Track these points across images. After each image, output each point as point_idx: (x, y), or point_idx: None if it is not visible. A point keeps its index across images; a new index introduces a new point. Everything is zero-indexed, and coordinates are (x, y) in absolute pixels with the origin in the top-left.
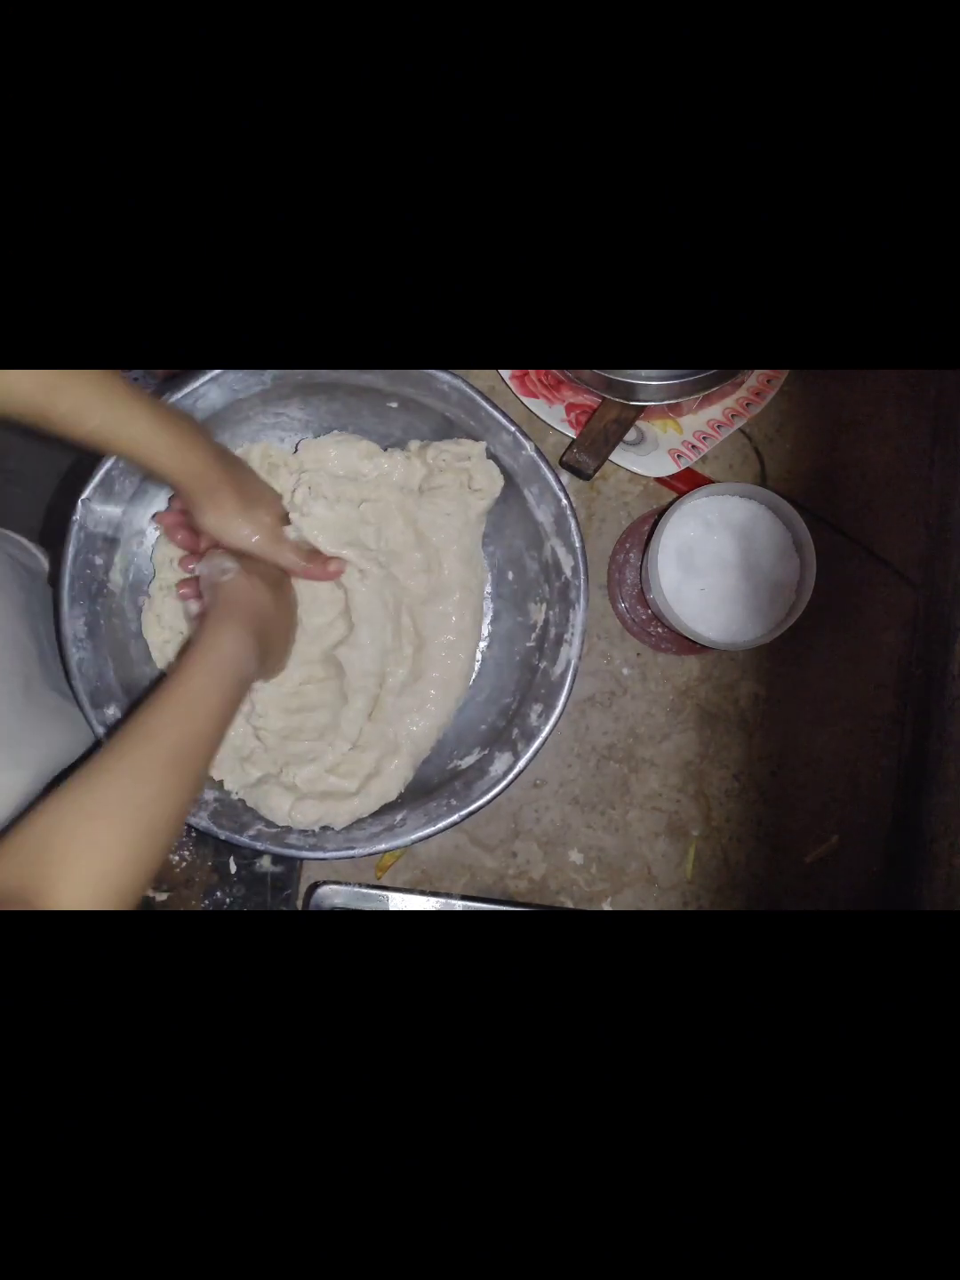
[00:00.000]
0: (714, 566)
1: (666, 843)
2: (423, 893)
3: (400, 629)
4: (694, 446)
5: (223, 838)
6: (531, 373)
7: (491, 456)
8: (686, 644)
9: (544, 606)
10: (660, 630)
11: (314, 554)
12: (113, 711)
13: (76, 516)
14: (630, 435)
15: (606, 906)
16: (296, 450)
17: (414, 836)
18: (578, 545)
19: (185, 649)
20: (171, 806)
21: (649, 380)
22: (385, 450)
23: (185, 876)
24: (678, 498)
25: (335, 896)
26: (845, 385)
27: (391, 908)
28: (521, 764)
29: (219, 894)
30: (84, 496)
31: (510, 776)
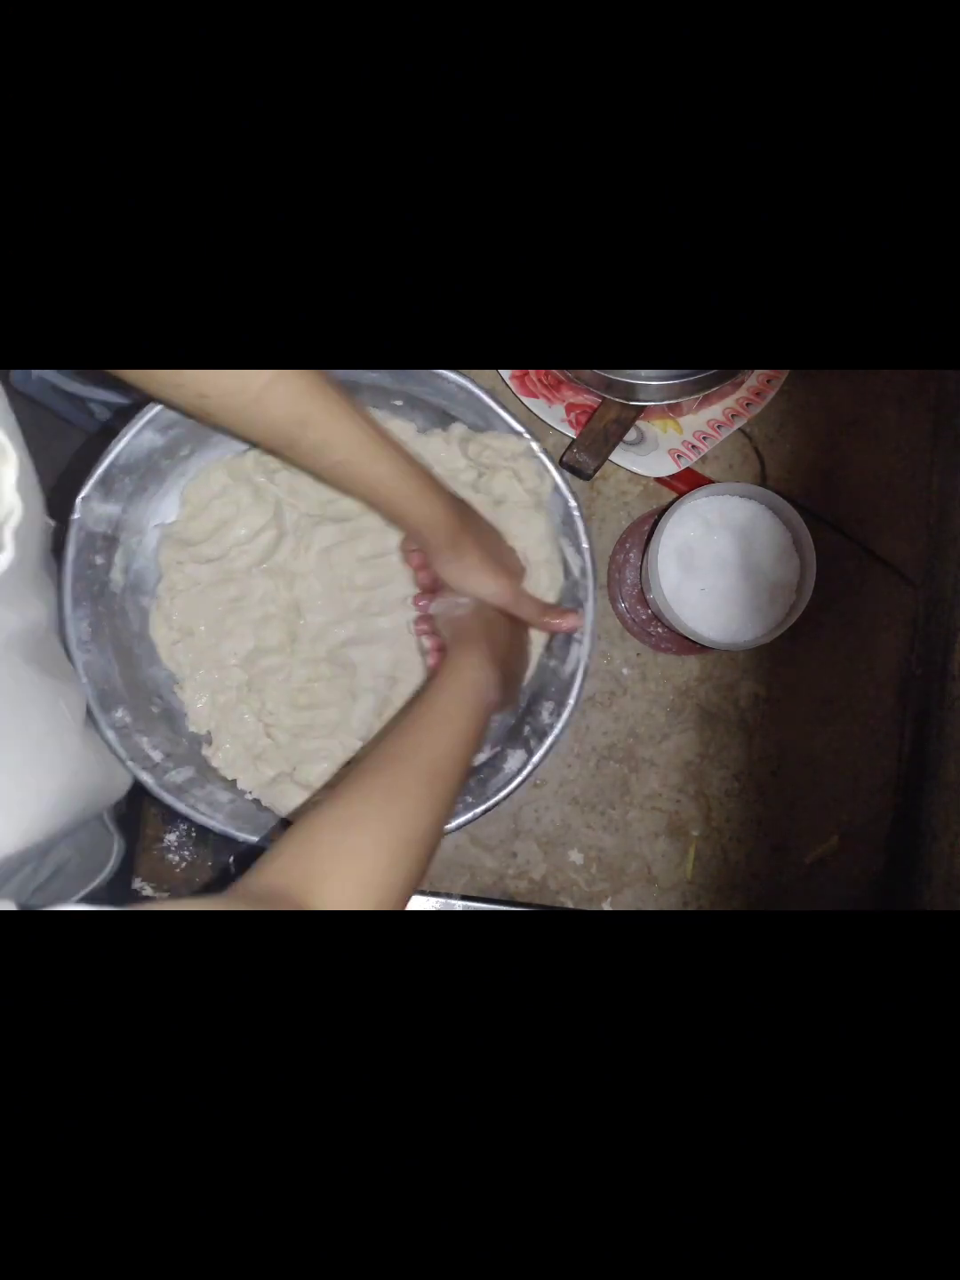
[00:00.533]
0: (714, 566)
1: (666, 843)
2: (423, 893)
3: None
4: (694, 446)
5: (241, 840)
6: (531, 373)
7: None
8: (686, 644)
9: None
10: (660, 630)
11: (549, 607)
12: (121, 714)
13: (76, 516)
14: (630, 435)
15: (606, 906)
16: None
17: None
18: (586, 546)
19: (432, 678)
20: (426, 820)
21: (649, 380)
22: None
23: (185, 877)
24: (678, 498)
25: None
26: (845, 385)
27: None
28: (535, 761)
29: None
30: (83, 495)
31: (524, 774)
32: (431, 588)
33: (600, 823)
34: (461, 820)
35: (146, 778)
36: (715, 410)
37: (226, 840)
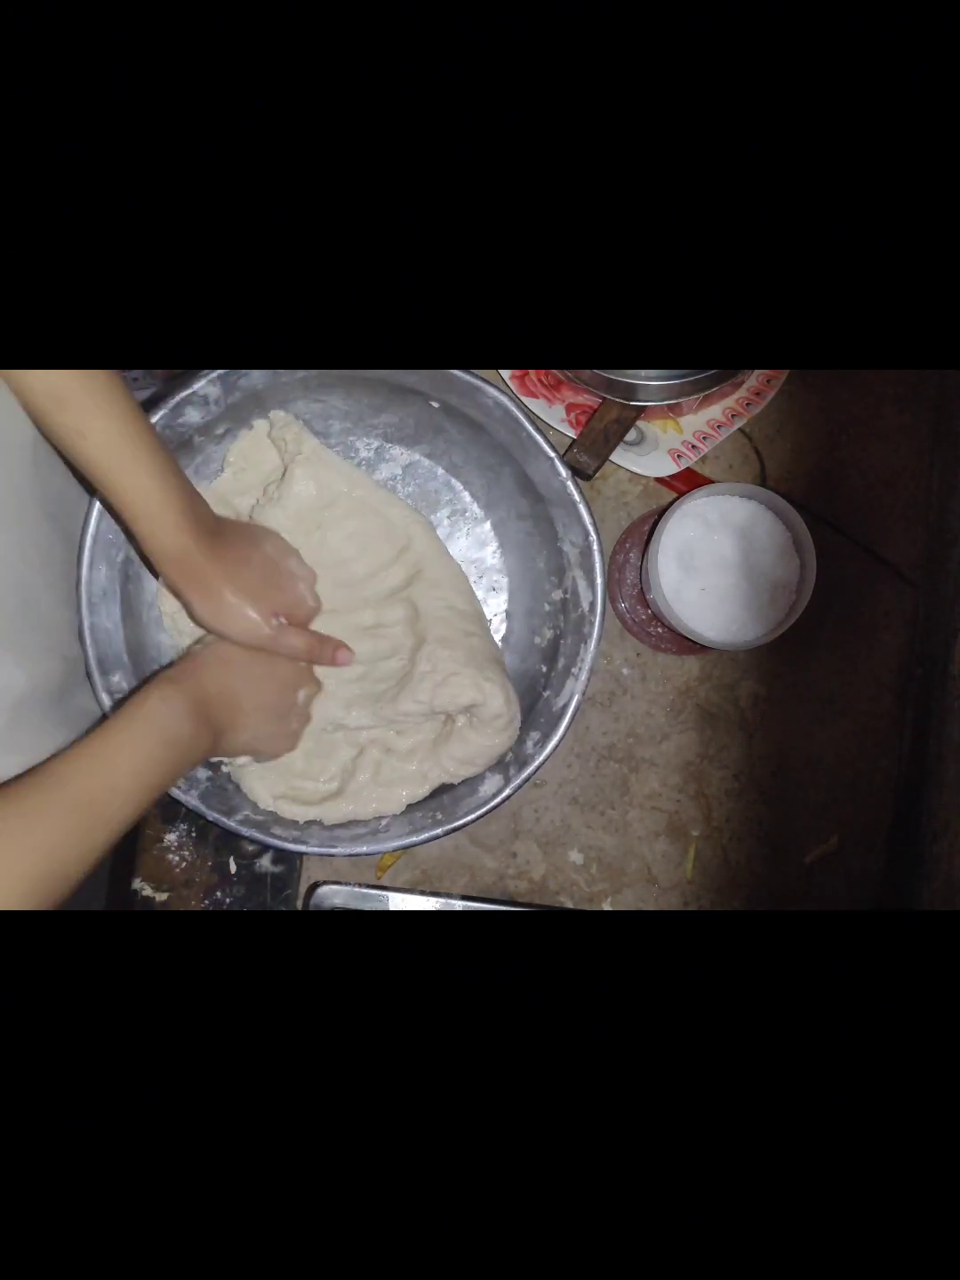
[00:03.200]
0: (714, 566)
1: (666, 843)
2: (423, 893)
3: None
4: (694, 446)
5: (210, 818)
6: (531, 373)
7: (527, 477)
8: (686, 644)
9: (556, 636)
10: (660, 630)
11: (323, 639)
12: (118, 679)
13: None
14: (630, 435)
15: (606, 906)
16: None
17: (396, 844)
18: (600, 582)
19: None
20: (75, 851)
21: (649, 380)
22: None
23: (185, 877)
24: (678, 498)
25: (335, 896)
26: (845, 385)
27: (391, 908)
28: (510, 790)
29: (219, 894)
30: None
31: (498, 799)
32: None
33: (600, 823)
34: (428, 835)
35: None
36: (715, 410)
37: (227, 839)
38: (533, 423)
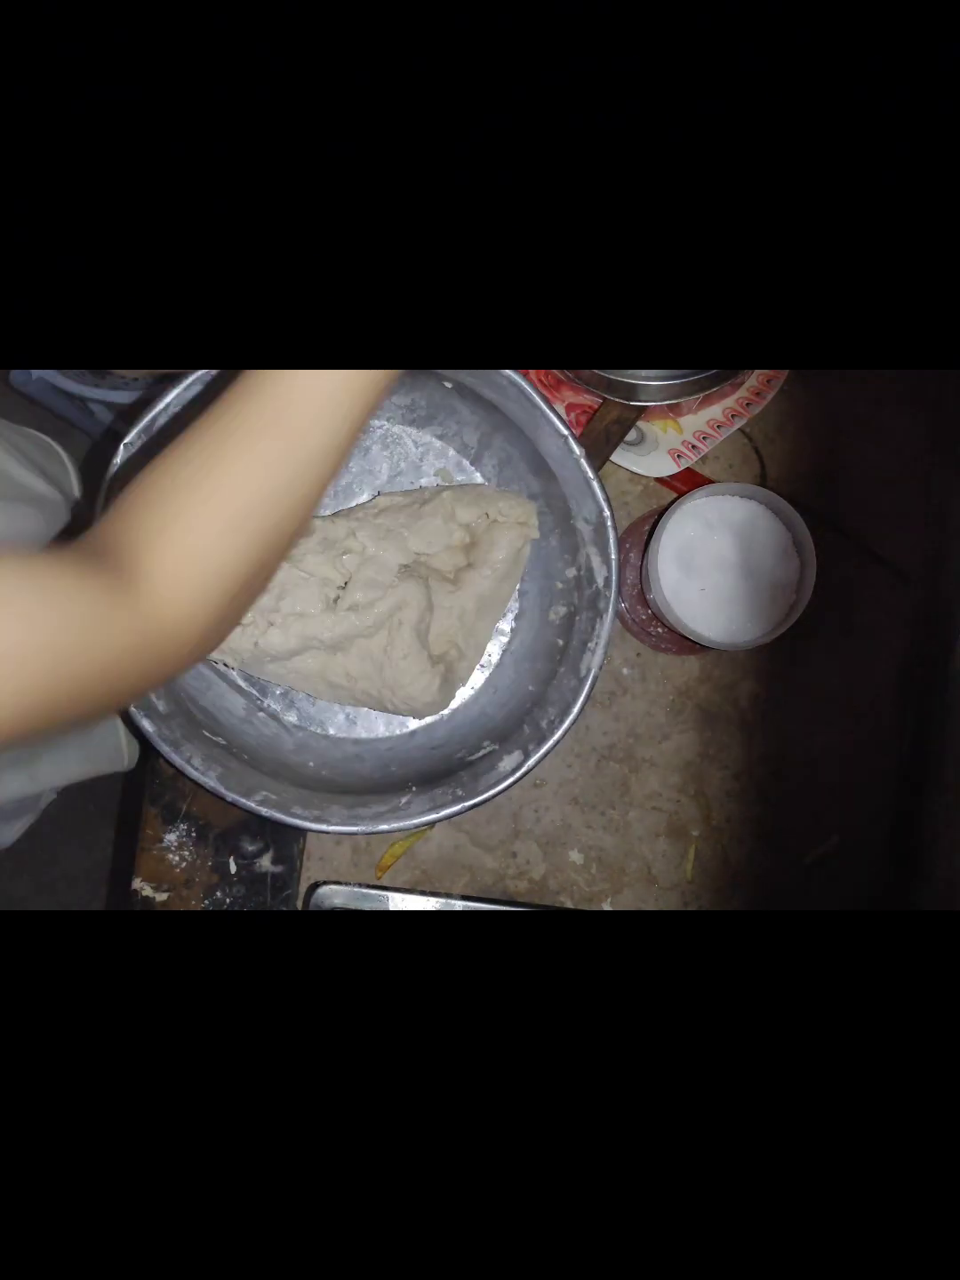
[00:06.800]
0: (714, 566)
1: (666, 843)
2: (423, 893)
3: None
4: (694, 446)
5: (229, 800)
6: (532, 373)
7: (540, 456)
8: (686, 644)
9: (571, 612)
10: (660, 630)
11: None
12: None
13: (117, 460)
14: (630, 435)
15: (606, 906)
16: None
17: (418, 820)
18: (613, 556)
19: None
20: (260, 489)
21: (649, 380)
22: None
23: (185, 876)
24: (678, 498)
25: (335, 896)
26: (845, 385)
27: (391, 908)
28: (530, 764)
29: (219, 894)
30: (126, 440)
31: (517, 774)
32: None
33: (600, 823)
34: (449, 811)
35: (146, 725)
36: (715, 410)
37: (227, 839)
38: (547, 400)
